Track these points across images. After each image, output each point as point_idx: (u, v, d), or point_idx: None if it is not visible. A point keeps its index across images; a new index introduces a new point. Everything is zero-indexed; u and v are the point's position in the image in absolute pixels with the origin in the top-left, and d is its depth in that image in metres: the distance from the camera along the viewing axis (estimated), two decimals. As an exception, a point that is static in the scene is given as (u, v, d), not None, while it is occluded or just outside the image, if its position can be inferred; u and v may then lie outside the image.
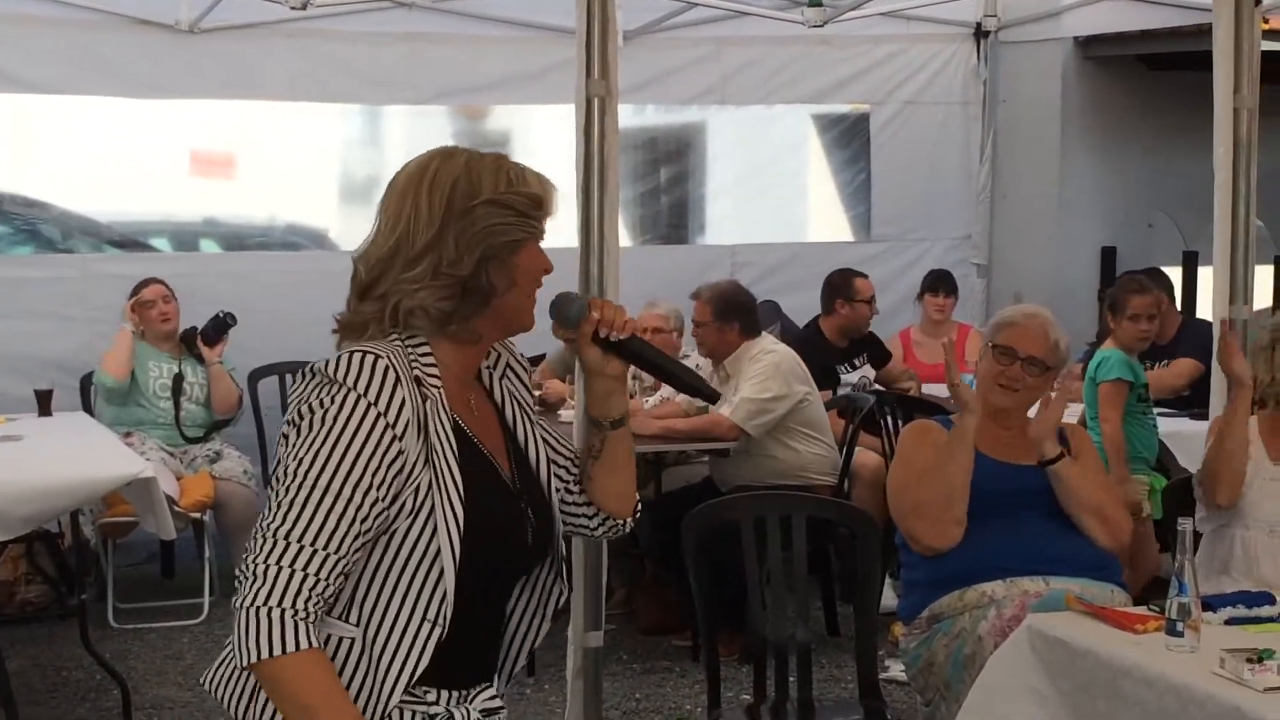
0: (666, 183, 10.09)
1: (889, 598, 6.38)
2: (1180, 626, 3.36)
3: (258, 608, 2.31)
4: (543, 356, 8.46)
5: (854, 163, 10.30)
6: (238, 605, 2.33)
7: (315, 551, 2.32)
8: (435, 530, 2.42)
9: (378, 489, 2.36)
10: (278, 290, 8.69)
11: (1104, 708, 3.42)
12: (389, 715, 2.45)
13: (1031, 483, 4.54)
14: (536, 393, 7.82)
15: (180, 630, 7.25)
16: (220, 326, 7.93)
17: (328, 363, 2.39)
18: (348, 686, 2.43)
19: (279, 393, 8.47)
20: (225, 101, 8.71)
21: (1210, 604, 3.59)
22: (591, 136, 5.22)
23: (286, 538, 2.32)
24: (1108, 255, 10.03)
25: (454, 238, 2.44)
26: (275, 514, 2.34)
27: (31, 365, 8.08)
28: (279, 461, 2.40)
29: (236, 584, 2.36)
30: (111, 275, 8.39)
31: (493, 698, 2.65)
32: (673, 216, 10.19)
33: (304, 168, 9.01)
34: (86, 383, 8.08)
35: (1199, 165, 8.76)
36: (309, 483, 2.34)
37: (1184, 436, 6.90)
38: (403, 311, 2.46)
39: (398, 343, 2.46)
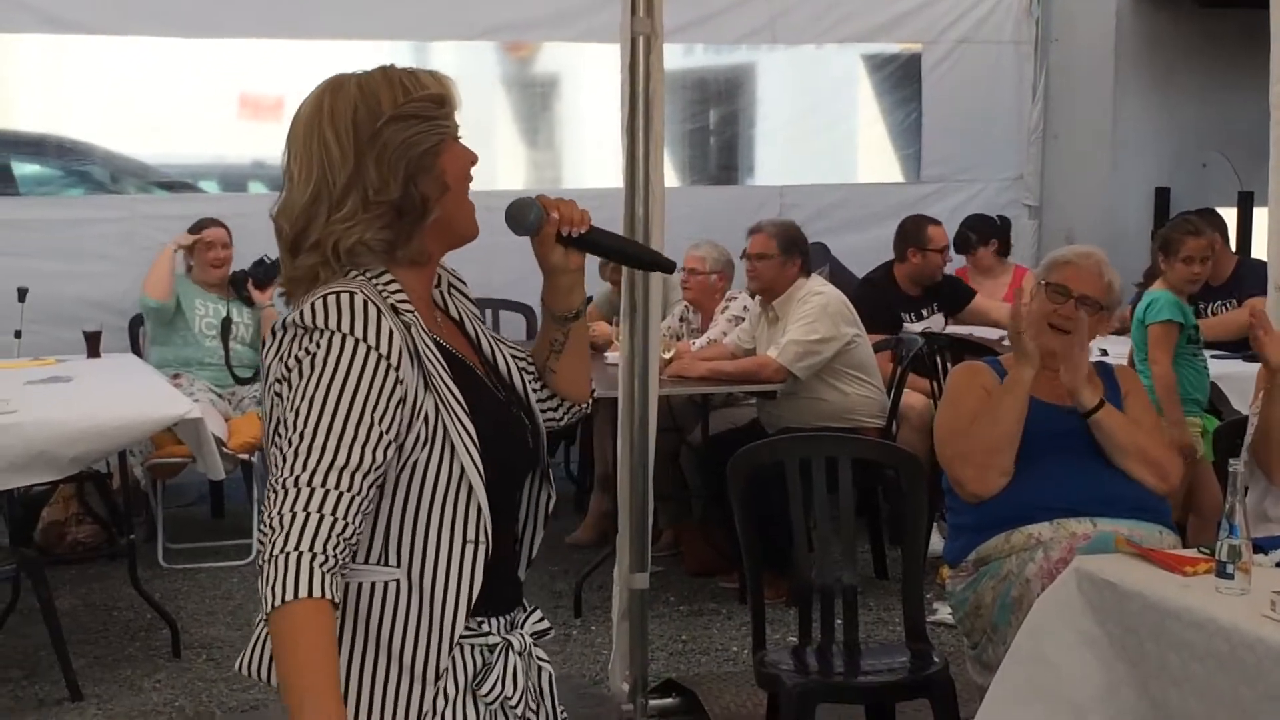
0: (716, 123, 10.04)
1: (936, 541, 6.36)
2: (1230, 568, 3.32)
3: (281, 554, 2.23)
4: (589, 299, 8.46)
5: (905, 103, 10.22)
6: (263, 556, 2.25)
7: (328, 492, 2.26)
8: (454, 451, 2.38)
9: (381, 424, 2.31)
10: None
11: (1152, 650, 3.38)
12: (453, 652, 2.42)
13: (1078, 424, 4.48)
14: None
15: (229, 570, 7.28)
16: (271, 270, 7.93)
17: (301, 313, 2.33)
18: (403, 630, 2.39)
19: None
20: (274, 41, 8.70)
21: (1261, 546, 3.54)
22: (636, 75, 5.18)
23: (297, 484, 2.26)
24: (1161, 196, 9.93)
25: (373, 164, 2.38)
26: (284, 465, 2.28)
27: (80, 307, 8.12)
28: (275, 420, 2.34)
29: (262, 535, 2.29)
30: (160, 217, 8.44)
31: (540, 620, 2.63)
32: (722, 157, 10.15)
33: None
34: (135, 324, 8.13)
35: (1254, 104, 8.66)
36: (312, 427, 2.28)
37: (1236, 378, 6.83)
38: (343, 251, 2.40)
39: (361, 279, 2.41)
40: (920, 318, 8.21)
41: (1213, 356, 6.99)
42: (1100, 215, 9.86)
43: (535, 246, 2.62)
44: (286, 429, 2.30)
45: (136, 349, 8.03)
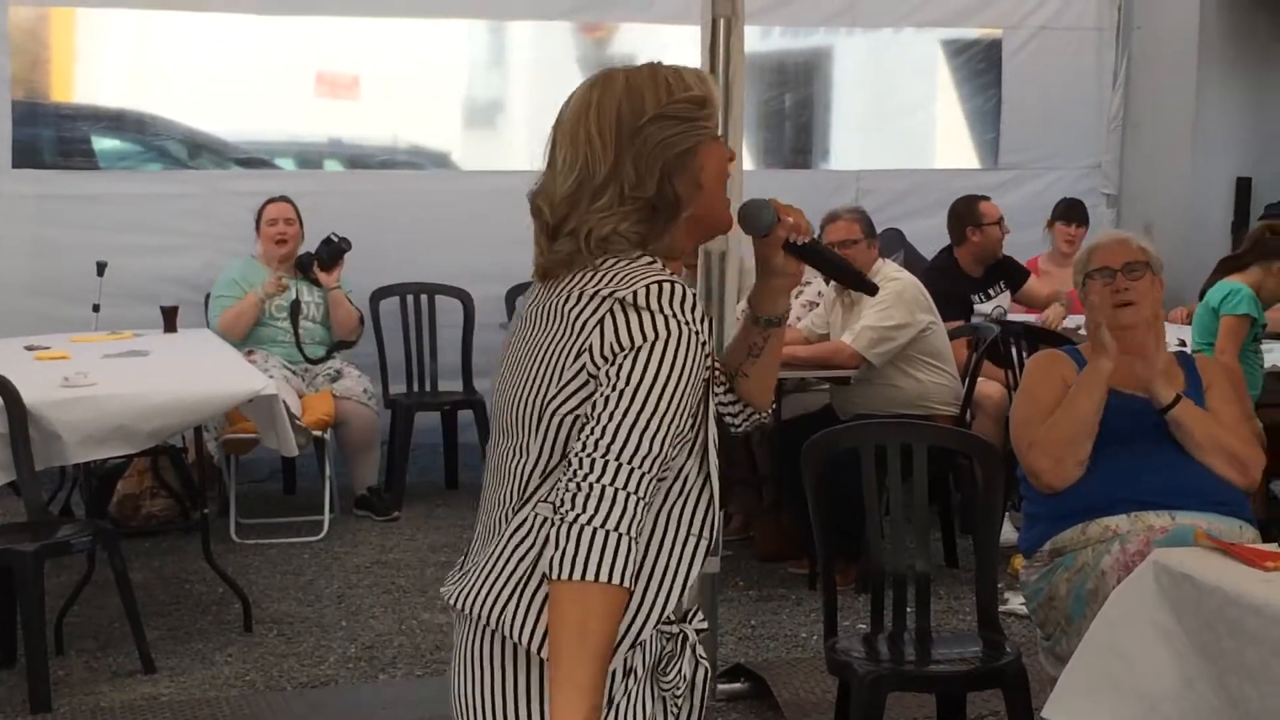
0: (791, 107, 10.00)
1: (1007, 531, 6.32)
2: (1312, 565, 3.28)
3: (590, 527, 2.30)
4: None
5: (984, 89, 10.15)
6: (568, 521, 2.31)
7: (634, 472, 2.34)
8: (706, 449, 2.51)
9: (692, 414, 2.44)
10: (400, 210, 8.74)
11: (1230, 645, 3.34)
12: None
13: (1157, 415, 4.44)
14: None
15: (301, 547, 7.32)
16: (335, 252, 7.96)
17: (636, 293, 2.40)
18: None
19: (399, 313, 8.53)
20: (351, 19, 8.73)
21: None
22: (716, 58, 5.18)
23: (618, 459, 2.33)
24: (1243, 186, 9.80)
25: (631, 161, 2.47)
26: (611, 437, 2.35)
27: (157, 282, 8.19)
28: (601, 387, 2.38)
29: (562, 499, 2.33)
30: (236, 193, 8.48)
31: (702, 620, 2.70)
32: (797, 140, 10.11)
33: (428, 87, 9.01)
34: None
35: (1341, 93, 8.50)
36: (647, 410, 2.36)
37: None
38: (595, 239, 2.47)
39: (654, 265, 2.48)
40: (989, 297, 8.17)
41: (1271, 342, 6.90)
42: (1180, 205, 9.76)
43: (759, 247, 2.70)
44: (620, 399, 2.36)
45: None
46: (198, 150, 8.83)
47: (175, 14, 8.52)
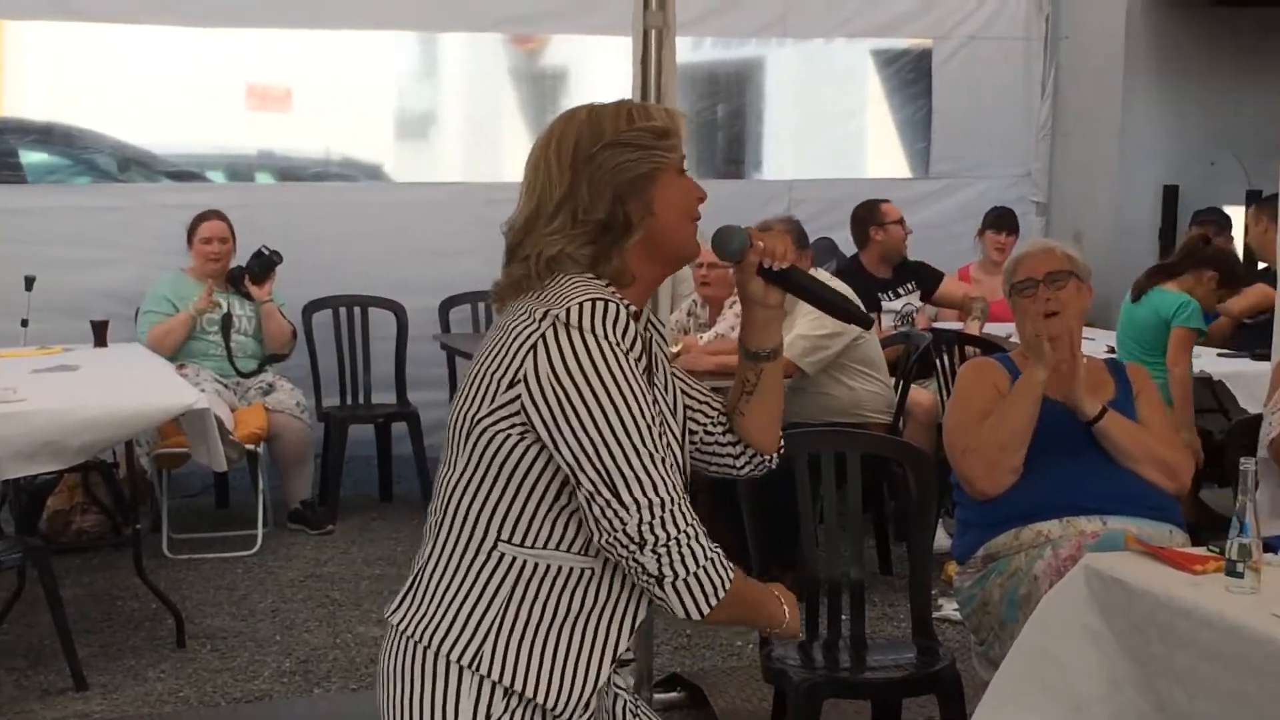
0: (724, 117, 10.03)
1: (940, 537, 6.35)
2: (1240, 567, 3.31)
3: (694, 573, 2.50)
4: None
5: (914, 99, 10.22)
6: (670, 581, 2.49)
7: (676, 508, 2.49)
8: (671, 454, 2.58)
9: (660, 424, 2.53)
10: (332, 222, 8.72)
11: (1160, 648, 3.37)
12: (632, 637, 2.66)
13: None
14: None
15: (234, 561, 7.27)
16: (266, 264, 7.92)
17: (568, 310, 2.47)
18: (586, 616, 2.57)
19: (332, 326, 8.49)
20: (281, 31, 8.70)
21: (1271, 545, 3.53)
22: (649, 69, 5.19)
23: (664, 510, 2.47)
24: (1170, 194, 9.91)
25: (585, 186, 2.54)
26: (622, 499, 2.45)
27: (86, 296, 8.11)
28: (536, 422, 2.48)
29: (639, 575, 2.51)
30: (166, 206, 8.43)
31: (626, 649, 2.76)
32: (730, 151, 10.15)
33: (360, 100, 8.99)
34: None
35: (1264, 102, 8.65)
36: (630, 457, 2.45)
37: (1245, 377, 6.88)
38: (544, 260, 2.54)
39: (601, 285, 2.55)
40: (897, 295, 8.26)
41: (1219, 355, 7.01)
42: (1108, 212, 9.86)
43: (735, 273, 2.76)
44: (581, 456, 2.45)
45: (143, 338, 8.03)
46: (127, 163, 8.77)
47: (103, 26, 8.46)
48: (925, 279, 8.47)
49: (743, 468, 2.92)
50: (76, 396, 6.04)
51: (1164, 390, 5.96)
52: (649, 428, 2.46)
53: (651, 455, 2.46)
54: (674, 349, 6.58)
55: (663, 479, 2.47)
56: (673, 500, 2.47)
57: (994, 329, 7.84)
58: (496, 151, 9.60)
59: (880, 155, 10.46)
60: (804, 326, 6.77)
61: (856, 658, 4.54)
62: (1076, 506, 4.33)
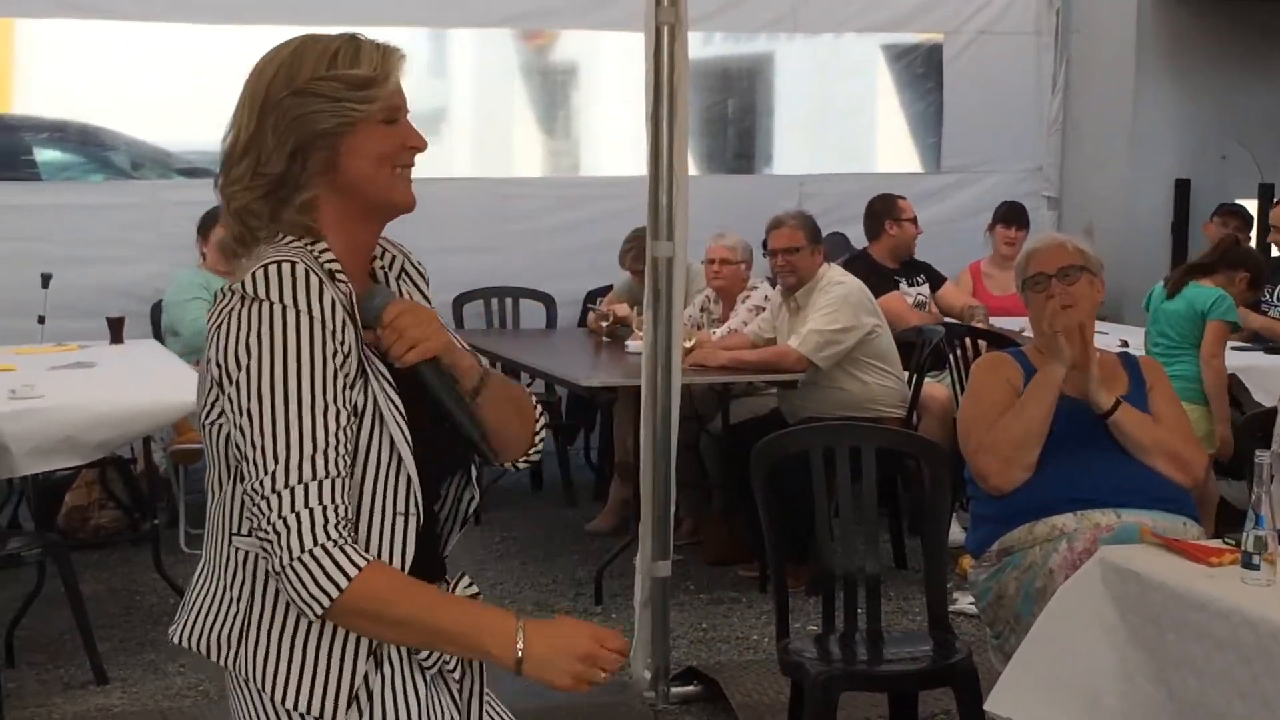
0: (734, 112, 10.06)
1: (954, 531, 6.38)
2: (1256, 560, 3.33)
3: (298, 557, 2.24)
4: (609, 288, 8.49)
5: (925, 93, 10.24)
6: (280, 568, 2.26)
7: (307, 485, 2.26)
8: (384, 422, 2.36)
9: (331, 397, 2.29)
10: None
11: (1174, 640, 3.39)
12: None
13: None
14: (604, 323, 7.91)
15: (250, 556, 7.29)
16: None
17: (244, 282, 2.30)
18: None
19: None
20: (295, 28, 8.67)
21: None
22: (661, 64, 5.21)
23: (286, 486, 2.25)
24: (1181, 188, 9.92)
25: (270, 134, 2.37)
26: (258, 472, 2.27)
27: (102, 293, 8.14)
28: (225, 408, 2.31)
29: (264, 549, 2.29)
30: (180, 203, 8.43)
31: (469, 585, 2.60)
32: (740, 146, 10.17)
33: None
34: (156, 311, 8.15)
35: (1275, 96, 8.67)
36: (271, 422, 2.26)
37: (1259, 370, 6.95)
38: (234, 213, 2.40)
39: (298, 246, 2.38)
40: (911, 284, 8.27)
41: (1233, 348, 7.03)
42: (1120, 207, 9.86)
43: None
44: (246, 426, 2.27)
45: (159, 335, 8.05)
46: (141, 161, 8.81)
47: (116, 24, 8.49)
48: (933, 278, 8.48)
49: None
50: (94, 393, 6.07)
51: (1180, 387, 5.98)
52: (314, 396, 2.26)
53: (317, 439, 2.26)
54: (688, 344, 6.59)
55: (305, 452, 2.24)
56: (313, 475, 2.24)
57: (1005, 323, 7.85)
58: (507, 147, 9.64)
59: (891, 150, 10.48)
60: (817, 322, 6.80)
61: (873, 650, 4.56)
62: (1091, 500, 4.35)
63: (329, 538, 2.25)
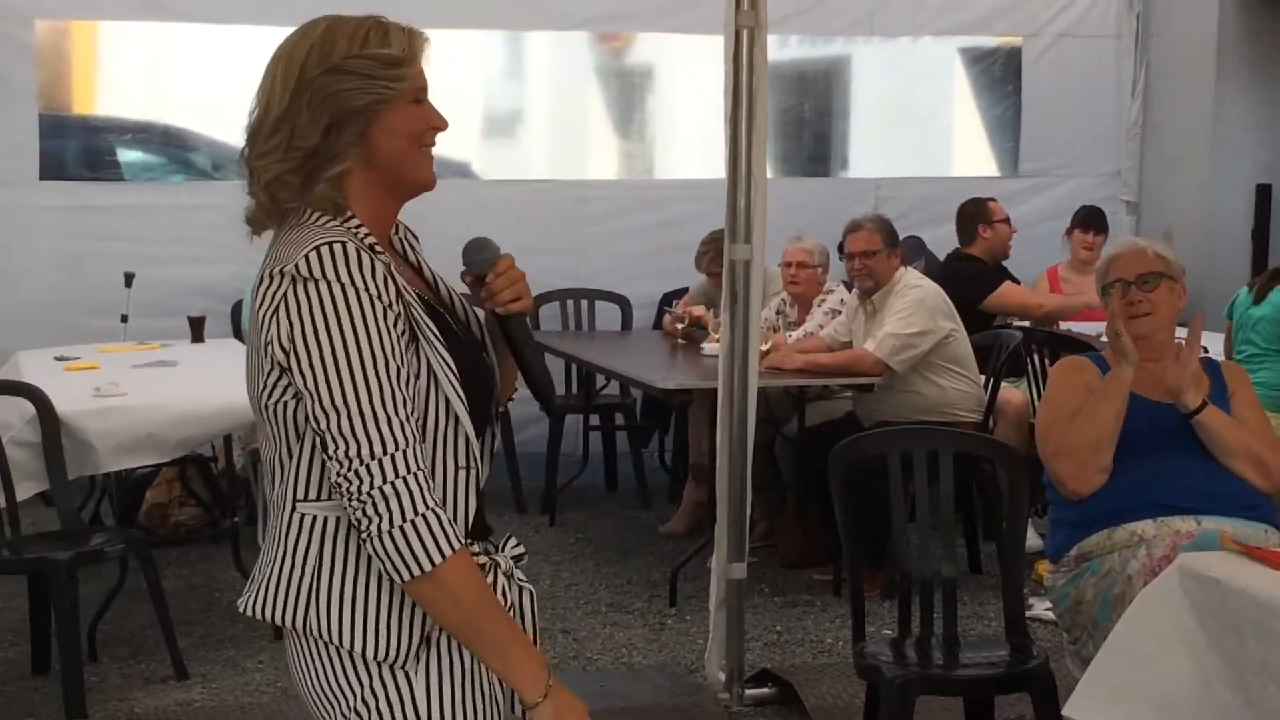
0: (810, 115, 10.05)
1: (1030, 536, 6.35)
2: (1338, 568, 3.31)
3: (401, 526, 2.33)
4: (684, 290, 8.51)
5: (1004, 97, 10.21)
6: (376, 533, 2.33)
7: (388, 458, 2.33)
8: (439, 384, 2.44)
9: (400, 362, 2.38)
10: (420, 220, 8.65)
11: (1255, 647, 3.37)
12: None
13: (1182, 420, 4.47)
14: (679, 325, 7.93)
15: (328, 554, 7.34)
16: None
17: (297, 265, 2.36)
18: None
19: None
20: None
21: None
22: (740, 67, 5.22)
23: (375, 458, 2.33)
24: (1262, 193, 9.83)
25: (305, 110, 2.44)
26: (346, 444, 2.33)
27: (183, 292, 8.25)
28: (299, 386, 2.36)
29: (356, 520, 2.35)
30: (261, 204, 8.51)
31: (517, 545, 2.69)
32: (816, 149, 10.17)
33: (447, 97, 8.97)
34: (237, 310, 8.22)
35: (1359, 100, 8.50)
36: (353, 396, 2.33)
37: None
38: (264, 185, 2.46)
39: (334, 225, 2.45)
40: None
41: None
42: (1199, 212, 9.78)
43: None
44: (327, 402, 2.34)
45: (239, 334, 8.13)
46: (222, 162, 8.89)
47: (197, 26, 8.61)
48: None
49: None
50: (175, 392, 6.16)
51: (1264, 394, 5.94)
52: (386, 367, 2.34)
53: (391, 409, 2.34)
54: (763, 347, 6.60)
55: (389, 422, 2.33)
56: (398, 445, 2.33)
57: (1084, 328, 7.81)
58: (583, 149, 9.67)
59: (968, 153, 10.45)
60: (894, 325, 6.79)
61: (949, 655, 4.55)
62: (1171, 506, 4.33)
63: (428, 506, 2.35)
